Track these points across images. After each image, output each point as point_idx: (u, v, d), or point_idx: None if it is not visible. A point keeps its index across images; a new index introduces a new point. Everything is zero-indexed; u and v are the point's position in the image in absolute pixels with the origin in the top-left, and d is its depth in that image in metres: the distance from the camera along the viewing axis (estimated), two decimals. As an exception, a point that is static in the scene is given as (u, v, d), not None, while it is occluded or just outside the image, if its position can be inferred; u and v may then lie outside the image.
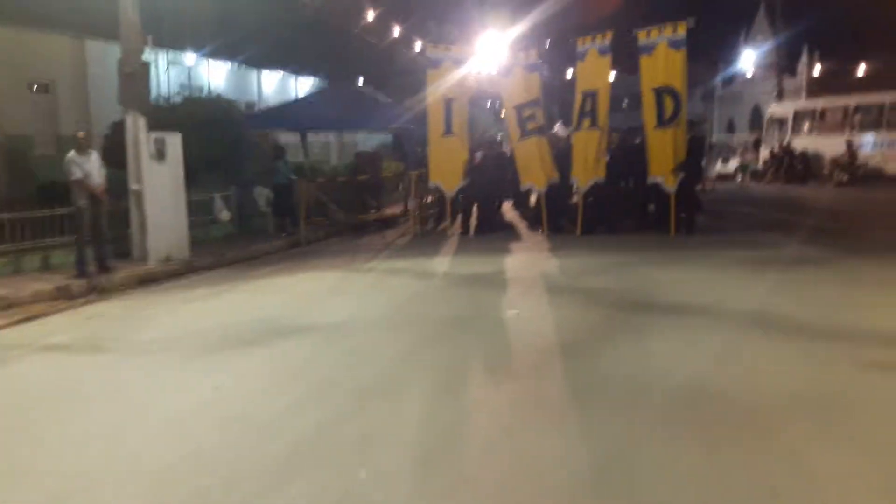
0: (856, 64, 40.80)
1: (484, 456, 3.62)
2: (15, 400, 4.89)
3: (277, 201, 13.41)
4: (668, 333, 5.70)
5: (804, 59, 40.76)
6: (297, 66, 33.26)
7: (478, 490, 3.25)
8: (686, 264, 8.93)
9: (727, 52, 44.76)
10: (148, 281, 9.27)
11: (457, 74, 12.89)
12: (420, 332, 6.08)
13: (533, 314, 6.64)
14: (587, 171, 11.82)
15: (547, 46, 27.88)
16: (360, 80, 31.05)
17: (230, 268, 10.39)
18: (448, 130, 12.82)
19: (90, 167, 8.95)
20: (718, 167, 25.04)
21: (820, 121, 23.96)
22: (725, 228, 12.34)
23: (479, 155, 13.45)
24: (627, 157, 12.24)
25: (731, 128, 45.80)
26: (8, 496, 3.41)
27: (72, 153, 8.90)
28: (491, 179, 13.15)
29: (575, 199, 12.45)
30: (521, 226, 13.54)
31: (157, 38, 23.60)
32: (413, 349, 5.56)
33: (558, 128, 15.79)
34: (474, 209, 13.22)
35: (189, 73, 26.77)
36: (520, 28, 25.09)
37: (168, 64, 25.51)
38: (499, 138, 18.83)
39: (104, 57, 17.39)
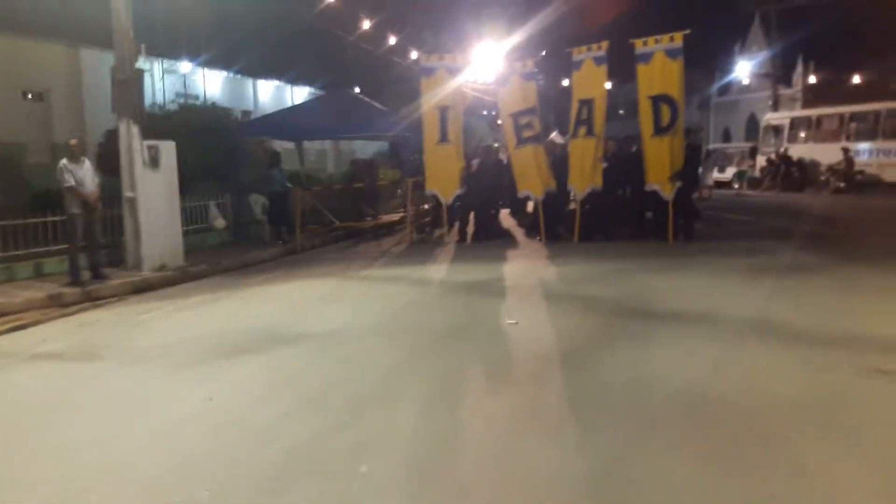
0: (851, 73, 40.99)
1: (479, 467, 3.54)
2: (5, 408, 4.80)
3: (273, 209, 13.36)
4: (667, 341, 5.64)
5: (799, 68, 40.97)
6: (293, 76, 33.29)
7: (472, 501, 3.18)
8: (684, 271, 8.89)
9: (723, 61, 44.99)
10: (142, 289, 9.20)
11: (451, 83, 12.88)
12: (416, 341, 6.01)
13: (530, 322, 6.57)
14: (584, 179, 11.80)
15: (543, 56, 27.91)
16: (357, 89, 31.08)
17: (225, 275, 10.32)
18: (443, 138, 12.79)
19: (83, 175, 8.89)
20: (715, 175, 25.08)
21: (816, 129, 24.08)
22: (723, 236, 12.31)
23: (475, 162, 13.43)
24: (624, 164, 12.22)
25: (727, 136, 45.91)
26: (-3, 505, 3.34)
27: (64, 161, 8.85)
28: (488, 187, 13.13)
29: (572, 206, 12.42)
30: (519, 233, 13.50)
31: (152, 46, 23.58)
32: (409, 358, 5.49)
33: (555, 135, 15.79)
34: (471, 217, 13.18)
35: (185, 82, 26.76)
36: (515, 38, 25.14)
37: (164, 72, 25.49)
38: (495, 146, 18.83)
39: (99, 65, 17.32)
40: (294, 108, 21.48)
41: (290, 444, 3.82)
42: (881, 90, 29.44)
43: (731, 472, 3.36)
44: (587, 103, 11.86)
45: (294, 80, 34.00)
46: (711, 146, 31.71)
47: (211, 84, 28.37)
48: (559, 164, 12.41)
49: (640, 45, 11.43)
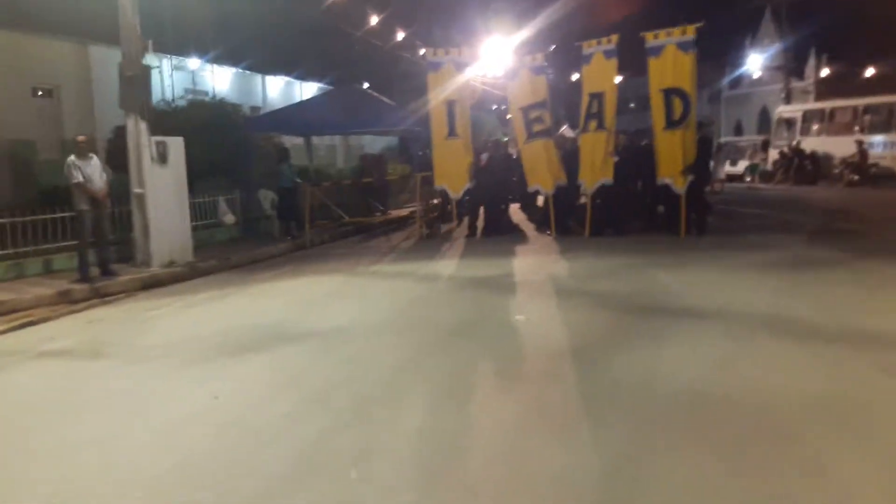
0: (864, 65, 40.50)
1: (486, 466, 3.47)
2: (9, 407, 4.78)
3: (282, 204, 13.33)
4: (679, 338, 5.54)
5: (812, 61, 40.54)
6: (301, 72, 33.27)
7: (479, 501, 3.12)
8: (696, 266, 8.77)
9: (734, 54, 44.55)
10: (151, 285, 9.18)
11: (458, 77, 12.78)
12: (423, 338, 5.94)
13: (540, 318, 6.49)
14: (594, 173, 11.69)
15: (552, 50, 27.75)
16: (366, 85, 31.03)
17: (234, 271, 10.30)
18: (451, 133, 12.71)
19: (91, 171, 8.87)
20: (727, 168, 24.88)
21: (829, 122, 23.81)
22: (735, 230, 12.16)
23: (485, 157, 13.33)
24: (635, 158, 12.11)
25: (738, 129, 45.52)
26: (-2, 505, 3.31)
27: (72, 157, 8.83)
28: (497, 181, 13.03)
29: (582, 200, 12.32)
30: (529, 228, 13.40)
31: (161, 42, 23.62)
32: (416, 355, 5.42)
33: (565, 129, 15.66)
34: (481, 211, 13.09)
35: (193, 78, 26.76)
36: (525, 33, 24.98)
37: (173, 69, 25.52)
38: (505, 140, 18.72)
39: (108, 62, 17.32)
40: (302, 103, 21.44)
41: (293, 445, 3.77)
42: (895, 82, 29.06)
43: (744, 470, 3.29)
44: (597, 97, 11.74)
45: (303, 76, 33.98)
46: (723, 139, 31.48)
47: (220, 80, 28.37)
48: (570, 158, 12.31)
49: (651, 38, 11.29)
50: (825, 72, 40.46)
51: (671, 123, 11.09)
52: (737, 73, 45.56)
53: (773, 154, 24.41)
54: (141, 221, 9.90)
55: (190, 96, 19.91)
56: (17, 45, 18.39)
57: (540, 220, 13.31)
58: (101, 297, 8.50)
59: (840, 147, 21.87)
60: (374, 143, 29.24)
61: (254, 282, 9.30)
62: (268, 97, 31.91)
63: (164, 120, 12.17)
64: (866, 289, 7.16)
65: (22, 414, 4.63)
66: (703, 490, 3.13)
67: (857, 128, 22.46)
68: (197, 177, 11.89)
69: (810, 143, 23.33)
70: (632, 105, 42.59)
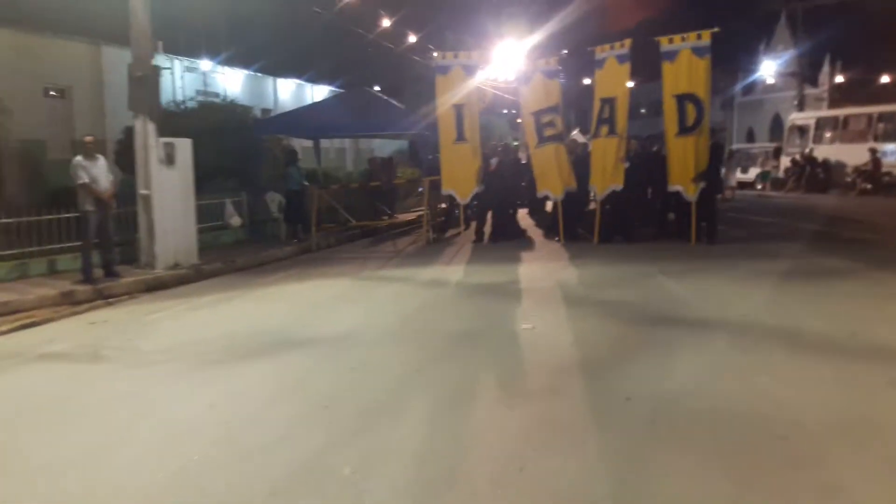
0: (879, 73, 40.13)
1: (491, 484, 3.33)
2: (3, 412, 4.69)
3: (289, 207, 13.26)
4: (691, 350, 5.40)
5: (826, 68, 40.20)
6: (313, 74, 33.31)
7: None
8: (708, 275, 8.62)
9: (747, 60, 44.22)
10: (155, 287, 9.12)
11: (466, 80, 12.67)
12: (428, 347, 5.82)
13: (548, 328, 6.35)
14: (605, 179, 11.55)
15: (564, 54, 27.63)
16: (377, 88, 31.02)
17: (239, 274, 10.23)
18: (460, 137, 12.59)
19: (97, 172, 8.83)
20: (738, 175, 24.66)
21: (842, 129, 23.54)
22: (747, 238, 11.99)
23: (494, 161, 13.21)
24: (647, 164, 11.97)
25: (750, 136, 45.18)
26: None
27: (78, 157, 8.80)
28: (506, 186, 12.91)
29: (592, 206, 12.18)
30: (537, 234, 13.27)
31: (173, 44, 23.70)
32: (420, 365, 5.29)
33: (576, 133, 15.52)
34: (488, 216, 12.97)
35: (205, 80, 26.82)
36: (536, 37, 24.87)
37: (184, 70, 25.58)
38: (515, 144, 18.60)
39: (120, 63, 17.31)
40: (312, 105, 21.44)
41: (291, 458, 3.65)
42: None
43: (761, 492, 3.16)
44: (609, 102, 11.60)
45: (314, 79, 34.03)
46: (735, 146, 31.23)
47: (231, 82, 28.43)
48: (580, 163, 12.18)
49: (665, 43, 11.15)
50: (839, 79, 40.10)
51: (684, 129, 10.94)
52: (750, 79, 45.23)
53: (785, 161, 24.17)
54: (146, 223, 9.84)
55: (201, 98, 19.88)
56: (30, 46, 18.46)
57: (548, 225, 13.18)
58: (105, 298, 8.44)
59: (853, 155, 21.62)
60: (383, 147, 29.20)
61: (259, 285, 9.22)
62: (279, 99, 31.97)
63: (174, 121, 12.12)
64: (882, 300, 7.00)
65: (15, 418, 4.54)
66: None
67: (870, 136, 22.20)
68: (205, 178, 11.84)
69: (823, 151, 23.08)
70: (643, 111, 42.39)
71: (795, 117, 26.44)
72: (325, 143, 22.99)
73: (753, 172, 25.56)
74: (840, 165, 22.20)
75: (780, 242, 11.46)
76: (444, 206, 14.57)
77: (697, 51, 10.87)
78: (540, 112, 12.29)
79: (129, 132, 13.14)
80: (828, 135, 23.85)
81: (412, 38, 28.82)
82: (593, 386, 4.68)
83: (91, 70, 20.67)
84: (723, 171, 14.78)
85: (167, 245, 9.87)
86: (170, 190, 10.00)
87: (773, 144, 27.98)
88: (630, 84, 12.27)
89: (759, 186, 24.70)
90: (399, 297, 8.25)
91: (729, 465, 3.44)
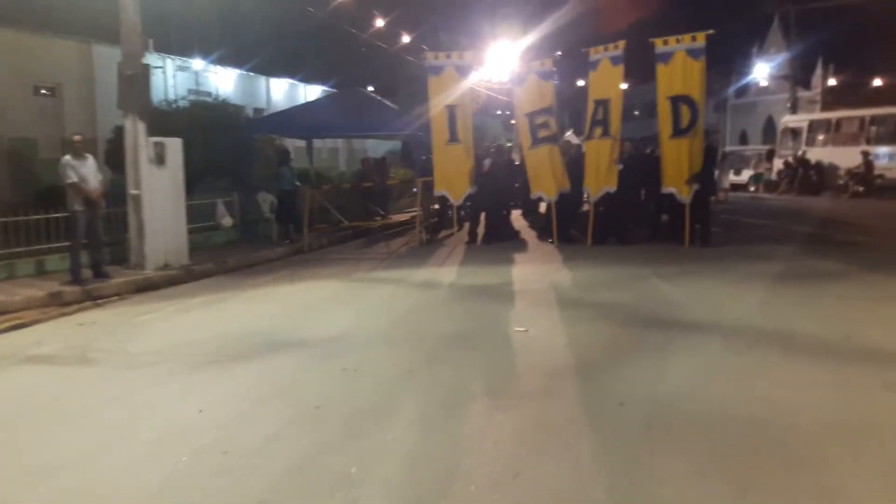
0: (871, 76, 40.36)
1: (486, 493, 3.27)
2: (-13, 416, 4.61)
3: (281, 207, 13.17)
4: (685, 353, 5.37)
5: (819, 71, 40.35)
6: (306, 73, 33.21)
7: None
8: (701, 277, 8.60)
9: (740, 63, 44.34)
10: (144, 288, 9.03)
11: (460, 81, 12.60)
12: (420, 349, 5.75)
13: (542, 331, 6.30)
14: (599, 180, 11.52)
15: (558, 55, 27.62)
16: (370, 88, 30.94)
17: (230, 275, 10.14)
18: (453, 138, 12.51)
19: (86, 171, 8.74)
20: (731, 177, 24.71)
21: (835, 132, 23.64)
22: (740, 240, 11.98)
23: (487, 162, 13.16)
24: (640, 166, 11.95)
25: (743, 139, 45.31)
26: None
27: (67, 157, 8.71)
28: (500, 187, 12.86)
29: (585, 208, 12.15)
30: (530, 235, 13.23)
31: (166, 43, 23.59)
32: (411, 368, 5.22)
33: (570, 135, 15.49)
34: (482, 217, 12.92)
35: (197, 79, 26.69)
36: (530, 38, 24.86)
37: (176, 69, 25.44)
38: (508, 145, 18.56)
39: (111, 61, 17.21)
40: (305, 105, 21.35)
41: (280, 466, 3.58)
42: (903, 93, 28.93)
43: (758, 495, 3.13)
44: (603, 104, 11.57)
45: (307, 79, 33.92)
46: (728, 148, 31.30)
47: (224, 81, 28.30)
48: (574, 164, 12.14)
49: (660, 45, 11.11)
50: (832, 82, 40.29)
51: (678, 131, 10.91)
52: (743, 81, 45.36)
53: (778, 164, 24.24)
54: (136, 223, 9.75)
55: (193, 97, 19.77)
56: (20, 44, 18.31)
57: (542, 227, 13.13)
58: (94, 299, 8.35)
59: (845, 158, 21.69)
60: (377, 147, 29.12)
61: (250, 286, 9.14)
62: (272, 99, 31.85)
63: (165, 120, 12.02)
64: (876, 303, 6.99)
65: (3, 422, 4.46)
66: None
67: (863, 138, 22.29)
68: (196, 178, 11.74)
69: (815, 154, 23.17)
70: (636, 112, 42.43)
71: (788, 120, 26.53)
72: (317, 143, 22.87)
73: (746, 174, 25.64)
74: (832, 168, 22.29)
75: (773, 244, 11.46)
76: (436, 206, 14.50)
77: (692, 52, 10.84)
78: (534, 113, 12.24)
79: (119, 131, 13.05)
80: (820, 137, 23.94)
81: (406, 39, 28.76)
82: (587, 389, 4.64)
83: (82, 68, 20.53)
84: (716, 173, 14.81)
85: (157, 245, 9.78)
86: (160, 190, 9.91)
87: (766, 147, 28.06)
88: (624, 86, 12.24)
89: (752, 188, 24.78)
90: (392, 299, 8.20)
91: (725, 468, 3.41)
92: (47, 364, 5.85)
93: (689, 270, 9.10)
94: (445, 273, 9.72)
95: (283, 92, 32.86)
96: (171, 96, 20.18)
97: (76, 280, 8.60)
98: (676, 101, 10.91)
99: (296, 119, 15.77)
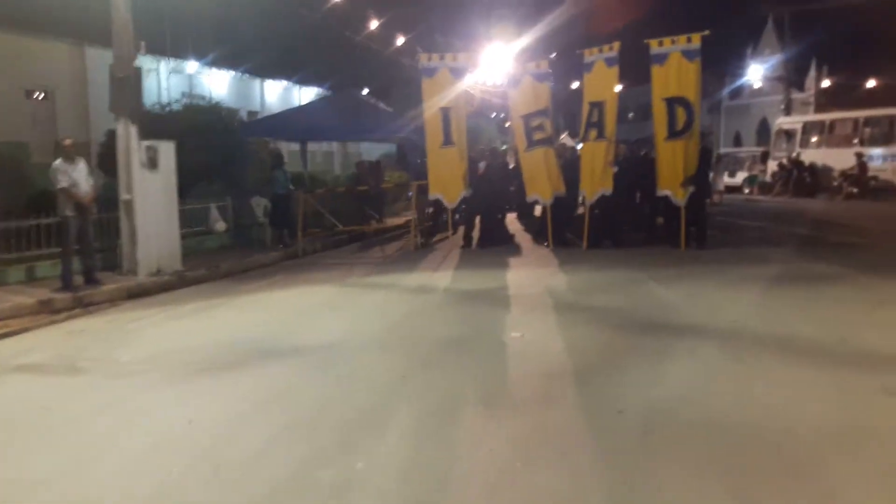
0: (865, 77, 40.49)
1: (481, 502, 3.22)
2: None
3: (275, 211, 13.08)
4: (682, 358, 5.32)
5: (812, 72, 40.49)
6: (300, 76, 33.13)
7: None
8: (697, 281, 8.56)
9: (734, 65, 44.45)
10: (137, 294, 8.94)
11: (454, 83, 12.53)
12: (414, 356, 5.69)
13: (536, 335, 6.25)
14: (594, 183, 11.48)
15: (553, 57, 27.61)
16: (365, 91, 30.87)
17: (224, 280, 10.06)
18: (447, 141, 12.43)
19: (77, 175, 8.64)
20: (726, 179, 24.75)
21: (829, 134, 23.70)
22: (736, 243, 11.95)
23: (482, 165, 13.10)
24: (636, 168, 11.92)
25: (737, 141, 45.43)
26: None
27: (58, 161, 8.61)
28: (494, 190, 12.80)
29: (580, 211, 12.11)
30: (525, 239, 13.17)
31: (159, 46, 23.48)
32: (406, 375, 5.16)
33: (565, 137, 15.44)
34: (476, 221, 12.86)
35: (191, 82, 26.58)
36: (525, 40, 24.84)
37: (170, 72, 25.34)
38: (503, 148, 18.52)
39: (104, 64, 17.17)
40: (299, 108, 21.26)
41: (271, 477, 3.51)
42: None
43: (757, 501, 3.11)
44: (598, 106, 11.53)
45: (302, 81, 33.84)
46: (723, 150, 31.35)
47: (217, 84, 28.22)
48: (569, 167, 12.10)
49: (655, 46, 11.08)
50: (826, 83, 40.42)
51: (673, 133, 10.89)
52: (737, 83, 45.48)
53: (772, 166, 24.29)
54: (128, 228, 9.66)
55: (186, 100, 19.68)
56: (12, 46, 18.22)
57: (537, 230, 13.08)
58: (84, 306, 8.25)
59: (839, 159, 21.76)
60: (371, 150, 29.08)
61: (243, 292, 9.06)
62: (266, 102, 31.77)
63: (157, 124, 11.93)
64: (873, 305, 6.96)
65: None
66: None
67: (856, 140, 22.35)
68: (189, 182, 11.65)
69: (810, 155, 23.22)
70: (631, 115, 42.46)
71: (782, 121, 26.59)
72: (312, 146, 22.83)
73: (741, 176, 25.70)
74: (827, 169, 22.33)
75: (768, 247, 11.44)
76: (431, 210, 14.44)
77: (687, 54, 10.82)
78: (529, 115, 12.19)
79: (112, 135, 12.95)
80: (814, 139, 24.00)
81: (401, 41, 28.74)
82: (584, 394, 4.59)
83: (74, 71, 20.44)
84: (711, 175, 14.80)
85: (150, 251, 9.69)
86: (153, 194, 9.82)
87: (761, 149, 28.14)
88: (619, 87, 12.22)
89: (747, 191, 24.82)
90: (386, 304, 8.13)
91: (724, 472, 3.38)
92: (37, 373, 5.77)
93: (685, 273, 9.07)
94: (440, 277, 9.66)
95: (278, 95, 32.78)
96: (165, 99, 20.07)
97: (67, 287, 8.49)
98: (672, 102, 10.89)
99: (290, 122, 15.71)
